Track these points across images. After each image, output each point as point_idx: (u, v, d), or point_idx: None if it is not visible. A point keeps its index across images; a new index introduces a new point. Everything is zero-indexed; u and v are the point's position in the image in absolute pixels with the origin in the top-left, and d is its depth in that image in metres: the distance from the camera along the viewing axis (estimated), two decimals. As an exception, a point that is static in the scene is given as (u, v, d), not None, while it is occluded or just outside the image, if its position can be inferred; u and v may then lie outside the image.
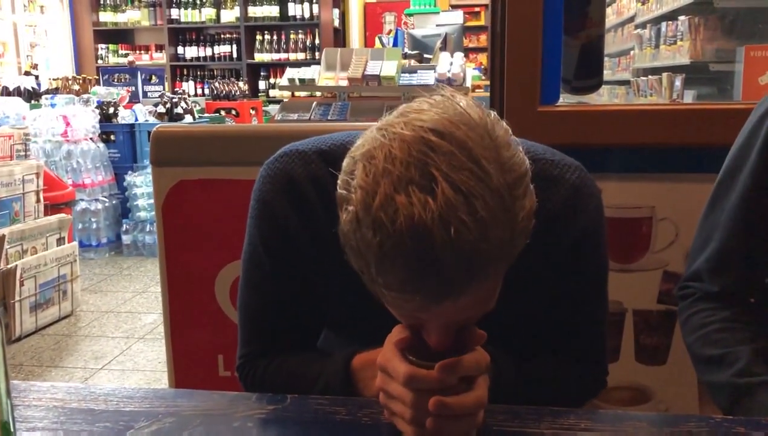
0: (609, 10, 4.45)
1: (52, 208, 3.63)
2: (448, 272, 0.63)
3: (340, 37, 8.70)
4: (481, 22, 11.29)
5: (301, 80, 3.62)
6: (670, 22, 2.97)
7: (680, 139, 1.56)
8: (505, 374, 0.86)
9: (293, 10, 7.71)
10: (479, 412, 0.74)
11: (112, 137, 4.97)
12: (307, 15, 7.69)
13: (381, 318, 0.76)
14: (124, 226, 4.82)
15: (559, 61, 1.60)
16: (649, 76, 3.19)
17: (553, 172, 0.87)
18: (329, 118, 3.43)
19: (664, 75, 2.86)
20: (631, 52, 3.95)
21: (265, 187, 0.93)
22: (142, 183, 4.74)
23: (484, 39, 11.09)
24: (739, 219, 0.99)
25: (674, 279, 1.63)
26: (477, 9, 11.21)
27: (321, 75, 3.68)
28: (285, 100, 4.12)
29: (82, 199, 4.63)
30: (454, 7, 9.72)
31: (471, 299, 0.66)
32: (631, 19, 4.03)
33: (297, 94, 4.71)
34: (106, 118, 4.95)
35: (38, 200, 3.50)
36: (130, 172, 4.87)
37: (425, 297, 0.65)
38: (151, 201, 4.24)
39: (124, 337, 3.31)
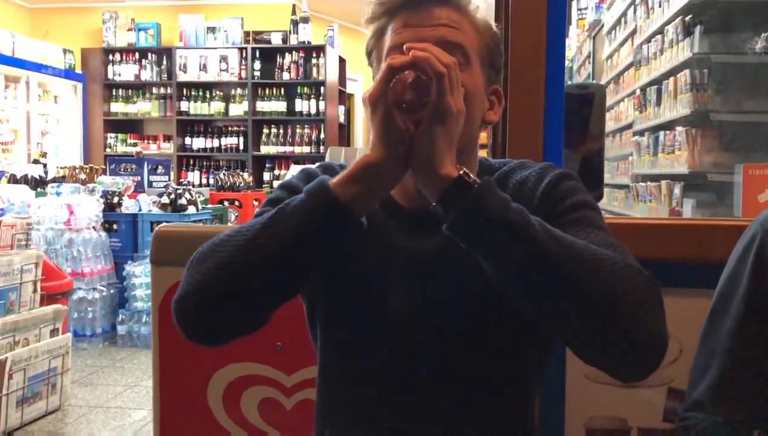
0: (607, 116, 4.57)
1: (48, 298, 3.59)
2: None
3: (344, 132, 8.91)
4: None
5: (305, 177, 3.66)
6: (668, 132, 3.04)
7: (683, 254, 1.55)
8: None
9: (300, 105, 7.93)
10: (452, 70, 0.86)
11: (115, 226, 4.99)
12: (313, 111, 7.91)
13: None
14: (120, 316, 4.76)
15: (560, 174, 1.62)
16: (648, 183, 3.23)
17: (527, 162, 1.05)
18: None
19: (663, 182, 2.90)
20: (630, 158, 4.02)
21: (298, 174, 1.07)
22: (141, 273, 4.72)
23: (483, 136, 11.31)
24: (736, 346, 0.98)
25: (680, 396, 1.58)
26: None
27: (324, 172, 3.73)
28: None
29: (79, 288, 4.59)
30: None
31: (448, 22, 0.95)
32: (630, 126, 4.13)
33: (300, 188, 4.76)
34: (110, 207, 4.99)
35: (35, 290, 3.47)
36: (129, 261, 4.85)
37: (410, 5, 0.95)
38: (149, 291, 4.21)
39: (111, 435, 3.20)
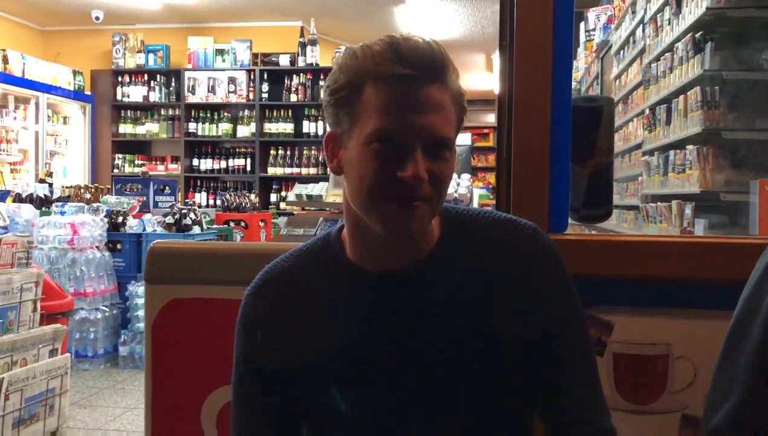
0: (616, 136, 4.52)
1: (48, 317, 3.53)
2: (418, 60, 0.91)
3: (351, 154, 8.88)
4: (490, 143, 11.55)
5: (309, 196, 3.63)
6: (678, 151, 2.98)
7: (698, 273, 1.48)
8: None
9: (307, 127, 7.92)
10: None
11: (119, 246, 4.96)
12: (320, 132, 7.89)
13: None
14: (122, 337, 4.70)
15: (567, 189, 1.56)
16: (659, 203, 3.16)
17: (511, 218, 1.06)
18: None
19: (674, 202, 2.83)
20: (639, 178, 3.96)
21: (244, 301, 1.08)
22: (144, 293, 4.66)
23: (492, 159, 11.33)
24: (756, 372, 0.92)
25: (694, 424, 1.51)
26: (486, 130, 11.50)
27: (329, 191, 3.69)
28: (294, 213, 4.12)
29: (82, 308, 4.55)
30: (463, 129, 10.00)
31: (436, 106, 0.92)
32: (638, 146, 4.07)
33: (307, 208, 4.72)
34: (114, 227, 4.96)
35: (35, 310, 3.41)
36: (133, 281, 4.81)
37: (403, 83, 0.90)
38: (151, 312, 4.15)
39: (108, 459, 3.13)
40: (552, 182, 1.54)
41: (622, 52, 4.58)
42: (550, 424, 1.03)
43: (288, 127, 7.97)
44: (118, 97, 8.39)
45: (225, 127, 8.18)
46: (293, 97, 7.96)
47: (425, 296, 1.00)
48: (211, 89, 8.23)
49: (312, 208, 4.56)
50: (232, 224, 6.00)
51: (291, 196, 3.73)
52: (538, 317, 0.99)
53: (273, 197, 8.04)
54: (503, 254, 1.01)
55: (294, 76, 7.97)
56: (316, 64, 7.93)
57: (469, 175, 4.15)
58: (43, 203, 5.25)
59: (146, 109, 8.40)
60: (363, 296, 1.01)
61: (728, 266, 1.46)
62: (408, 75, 0.90)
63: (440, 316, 0.99)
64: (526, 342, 1.00)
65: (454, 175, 4.08)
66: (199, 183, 8.30)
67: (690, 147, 2.80)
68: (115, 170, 8.36)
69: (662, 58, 3.31)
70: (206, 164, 8.24)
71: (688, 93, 2.82)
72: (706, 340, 1.48)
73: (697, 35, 2.78)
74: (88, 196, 5.46)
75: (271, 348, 1.03)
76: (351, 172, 0.96)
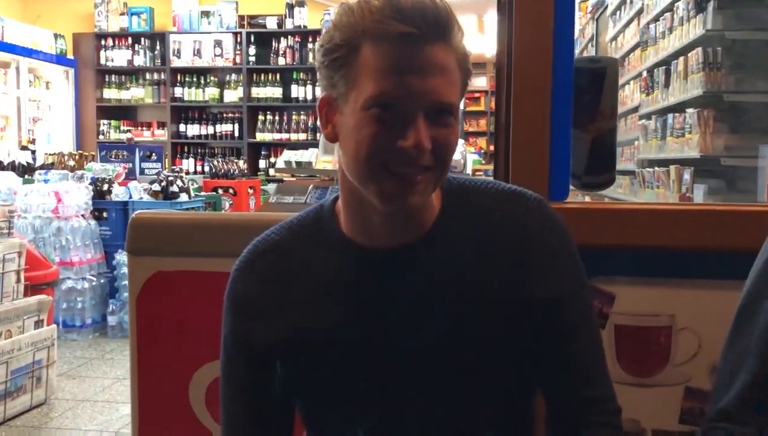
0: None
1: (32, 288, 3.47)
2: (420, 17, 0.83)
3: (341, 119, 8.77)
4: (482, 108, 11.46)
5: (298, 163, 3.55)
6: (678, 115, 2.90)
7: (703, 242, 1.43)
8: None
9: (296, 91, 7.79)
10: None
11: (105, 214, 4.86)
12: (309, 97, 7.76)
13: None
14: (111, 306, 4.64)
15: (569, 156, 1.49)
16: (656, 168, 3.10)
17: (516, 190, 0.99)
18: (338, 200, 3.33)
19: (672, 167, 2.77)
20: (636, 143, 3.89)
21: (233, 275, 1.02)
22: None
23: (484, 123, 11.25)
24: None
25: (698, 396, 1.48)
26: (477, 95, 11.39)
27: (319, 158, 3.61)
28: (284, 180, 4.04)
29: (68, 278, 4.47)
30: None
31: (440, 68, 0.84)
32: (635, 109, 3.99)
33: (296, 175, 4.64)
34: (100, 195, 4.86)
35: (18, 280, 3.34)
36: (120, 250, 4.73)
37: (404, 42, 0.82)
38: (139, 282, 4.09)
39: (97, 430, 3.09)
40: (552, 148, 1.48)
41: (618, 12, 4.48)
42: (555, 402, 0.99)
43: (276, 92, 7.83)
44: (102, 61, 8.21)
45: (212, 91, 8.04)
46: (281, 61, 7.81)
47: (425, 275, 0.94)
48: (197, 53, 8.06)
49: (301, 175, 4.48)
50: (220, 191, 5.90)
51: (280, 162, 3.64)
52: (542, 293, 0.94)
53: (262, 163, 7.94)
54: (507, 227, 0.96)
55: (282, 38, 7.81)
56: (305, 27, 7.78)
57: (463, 141, 4.07)
58: (25, 171, 5.14)
59: (131, 74, 8.23)
60: (359, 273, 0.96)
61: (735, 234, 1.42)
62: (409, 33, 0.82)
63: (441, 295, 0.94)
64: (530, 319, 0.95)
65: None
66: (186, 149, 8.17)
67: (690, 110, 2.72)
68: (100, 137, 8.21)
69: (661, 18, 3.21)
70: (193, 130, 8.11)
71: (689, 54, 2.73)
72: (711, 311, 1.44)
73: (699, -6, 2.69)
74: (72, 163, 5.35)
75: (260, 326, 0.97)
76: (347, 139, 0.88)
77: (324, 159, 3.57)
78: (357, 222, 0.95)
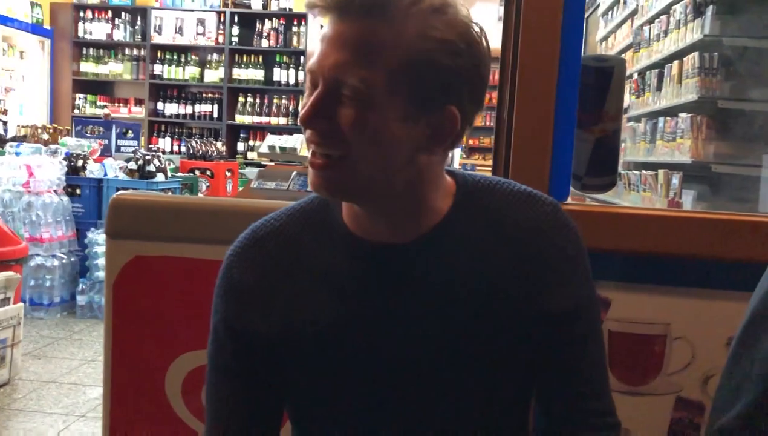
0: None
1: (0, 264, 3.35)
2: None
3: (323, 105, 8.67)
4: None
5: (282, 148, 3.47)
6: (669, 119, 2.88)
7: (703, 251, 1.40)
8: None
9: (278, 75, 7.67)
10: None
11: (78, 191, 4.73)
12: (292, 81, 7.66)
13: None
14: (81, 285, 4.52)
15: (570, 156, 1.46)
16: (643, 171, 3.09)
17: (531, 192, 0.95)
18: (308, 188, 3.26)
19: (661, 171, 2.75)
20: (623, 145, 3.87)
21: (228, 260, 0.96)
22: (104, 241, 4.47)
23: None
24: None
25: (688, 407, 1.46)
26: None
27: (303, 144, 3.53)
28: (265, 165, 3.95)
29: (37, 254, 4.34)
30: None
31: (350, 43, 0.80)
32: (624, 111, 3.96)
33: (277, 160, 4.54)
34: (74, 171, 4.72)
35: (-15, 256, 3.23)
36: (93, 228, 4.61)
37: (325, 15, 0.81)
38: (112, 262, 3.98)
39: (63, 414, 3.00)
40: (555, 148, 1.44)
41: (611, 12, 4.45)
42: (555, 412, 0.96)
43: (258, 74, 7.71)
44: (80, 33, 7.99)
45: (192, 70, 7.88)
46: (264, 43, 7.69)
47: (428, 274, 0.90)
48: (179, 30, 7.89)
49: (280, 161, 4.39)
50: (197, 173, 5.78)
51: (263, 147, 3.56)
52: (557, 303, 0.90)
53: (240, 146, 7.82)
54: (520, 230, 0.91)
55: (266, 20, 7.69)
56: (290, 10, 7.66)
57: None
58: (-4, 142, 4.98)
59: (109, 48, 8.03)
60: (360, 268, 0.91)
61: (736, 244, 1.39)
62: (318, 6, 0.82)
63: (440, 297, 0.89)
64: (540, 327, 0.91)
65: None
66: (163, 128, 8.01)
67: (683, 115, 2.70)
68: (76, 111, 8.01)
69: (656, 20, 3.19)
70: (171, 109, 7.95)
71: (685, 58, 2.71)
72: (707, 321, 1.41)
73: (698, -2, 2.67)
74: (46, 136, 5.19)
75: (255, 316, 0.92)
76: None
77: (308, 146, 3.49)
78: (353, 215, 0.91)
